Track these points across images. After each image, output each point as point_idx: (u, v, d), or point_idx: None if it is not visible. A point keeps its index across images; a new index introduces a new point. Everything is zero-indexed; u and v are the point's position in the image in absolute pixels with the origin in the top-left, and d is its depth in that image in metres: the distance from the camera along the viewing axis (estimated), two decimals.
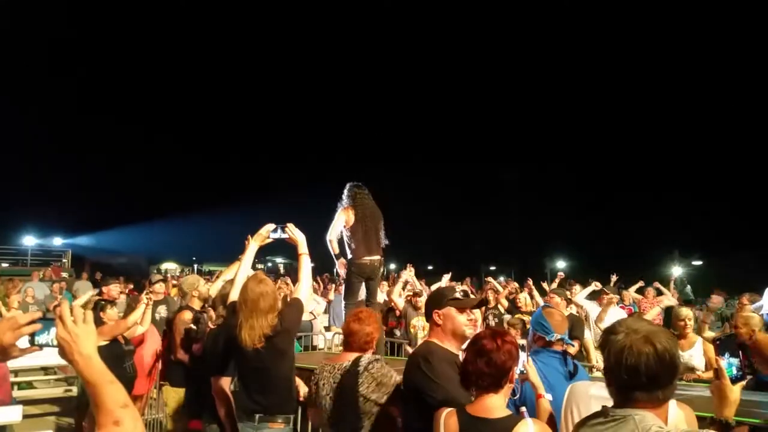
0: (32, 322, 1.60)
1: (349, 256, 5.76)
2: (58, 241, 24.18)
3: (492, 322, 7.09)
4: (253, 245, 3.79)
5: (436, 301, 2.73)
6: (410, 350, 5.82)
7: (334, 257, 5.89)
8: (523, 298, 6.89)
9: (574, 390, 2.41)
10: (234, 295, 3.53)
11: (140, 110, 40.23)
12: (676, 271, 17.75)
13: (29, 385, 7.82)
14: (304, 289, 3.64)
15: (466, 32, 45.01)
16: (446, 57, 44.03)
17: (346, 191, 5.89)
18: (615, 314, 6.40)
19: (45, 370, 7.98)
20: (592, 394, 2.29)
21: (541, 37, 40.66)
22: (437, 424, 2.24)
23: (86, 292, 9.99)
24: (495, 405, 2.20)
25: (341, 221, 5.72)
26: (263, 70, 45.47)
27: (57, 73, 34.14)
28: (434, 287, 7.23)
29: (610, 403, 1.72)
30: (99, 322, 5.62)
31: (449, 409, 2.27)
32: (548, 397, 2.54)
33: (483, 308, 7.91)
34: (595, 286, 7.84)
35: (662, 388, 1.62)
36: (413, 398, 2.59)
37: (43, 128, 34.24)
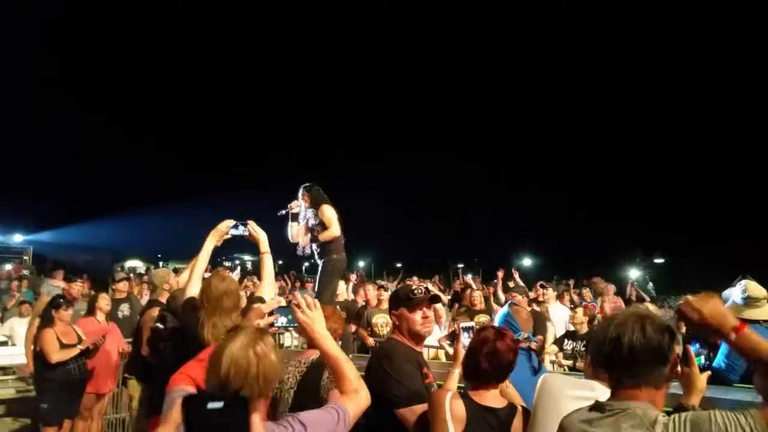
0: (272, 312, 2.35)
1: (334, 254, 5.69)
2: (18, 238, 23.40)
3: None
4: (210, 241, 3.65)
5: (392, 303, 2.84)
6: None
7: (325, 245, 5.74)
8: (478, 295, 6.94)
9: (549, 385, 2.27)
10: (190, 292, 3.39)
11: (108, 106, 39.33)
12: (633, 273, 18.32)
13: None
14: (268, 287, 3.61)
15: (434, 32, 45.21)
16: (416, 57, 44.15)
17: (311, 191, 5.77)
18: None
19: (3, 370, 7.78)
20: (572, 394, 2.17)
21: (508, 36, 41.10)
22: (440, 404, 2.24)
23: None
24: (497, 395, 2.35)
25: (335, 215, 5.66)
26: (231, 69, 44.90)
27: (18, 71, 33.03)
28: None
29: (588, 403, 1.70)
30: (50, 319, 5.50)
31: (451, 391, 2.33)
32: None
33: (455, 306, 7.99)
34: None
35: (663, 366, 1.62)
36: (375, 395, 2.64)
37: (3, 124, 33.18)
